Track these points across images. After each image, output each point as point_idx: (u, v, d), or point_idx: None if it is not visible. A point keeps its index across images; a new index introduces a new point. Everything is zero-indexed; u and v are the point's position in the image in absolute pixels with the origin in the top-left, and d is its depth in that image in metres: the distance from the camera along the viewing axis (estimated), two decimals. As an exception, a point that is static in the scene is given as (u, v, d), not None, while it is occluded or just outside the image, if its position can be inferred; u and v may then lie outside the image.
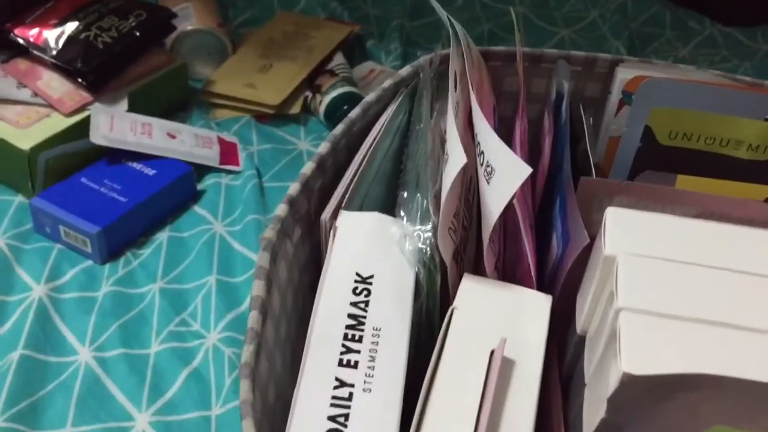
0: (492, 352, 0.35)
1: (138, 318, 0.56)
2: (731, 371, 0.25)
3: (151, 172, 0.64)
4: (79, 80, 0.66)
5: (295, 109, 0.77)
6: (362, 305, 0.36)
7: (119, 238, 0.61)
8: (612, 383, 0.27)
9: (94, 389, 0.51)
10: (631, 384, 0.25)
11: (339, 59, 0.81)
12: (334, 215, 0.40)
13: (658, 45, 0.95)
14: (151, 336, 0.55)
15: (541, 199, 0.46)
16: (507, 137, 0.43)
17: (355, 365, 0.34)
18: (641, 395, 0.26)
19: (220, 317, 0.56)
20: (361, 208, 0.42)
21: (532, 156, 0.49)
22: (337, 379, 0.33)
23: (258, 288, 0.34)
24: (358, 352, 0.34)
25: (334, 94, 0.75)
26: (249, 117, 0.76)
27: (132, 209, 0.61)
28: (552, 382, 0.39)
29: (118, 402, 0.51)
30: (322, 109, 0.75)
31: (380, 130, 0.44)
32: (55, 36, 0.68)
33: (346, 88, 0.75)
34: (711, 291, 0.31)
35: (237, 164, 0.70)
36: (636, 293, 0.30)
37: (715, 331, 0.28)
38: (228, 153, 0.70)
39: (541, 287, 0.40)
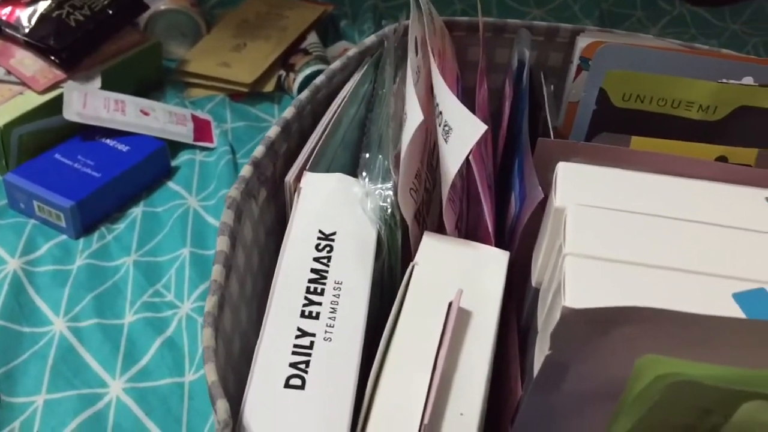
0: (450, 304, 0.36)
1: (112, 290, 0.57)
2: (665, 305, 0.27)
3: (124, 148, 0.65)
4: (52, 58, 0.67)
5: (269, 87, 0.77)
6: (324, 260, 0.37)
7: (93, 213, 0.61)
8: (556, 319, 0.28)
9: (68, 358, 0.52)
10: (572, 317, 0.27)
11: (312, 38, 0.81)
12: (298, 178, 0.41)
13: (629, 24, 0.96)
14: (125, 307, 0.56)
15: (502, 162, 0.47)
16: (470, 106, 0.44)
17: (317, 316, 0.35)
18: (582, 330, 0.27)
19: (193, 288, 0.57)
20: (328, 172, 0.43)
21: (494, 122, 0.51)
22: (299, 329, 0.34)
23: (222, 243, 0.35)
24: (320, 304, 0.35)
25: (307, 72, 0.76)
26: (223, 96, 0.77)
27: (106, 184, 0.62)
28: (510, 334, 0.40)
29: (92, 370, 0.52)
30: (295, 87, 0.76)
31: (345, 97, 0.45)
32: (27, 14, 0.68)
33: (320, 66, 0.76)
34: (657, 238, 0.32)
35: (211, 141, 0.71)
36: (582, 240, 0.31)
37: (654, 272, 0.30)
38: (202, 130, 0.71)
39: (501, 245, 0.41)
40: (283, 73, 0.78)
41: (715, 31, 0.95)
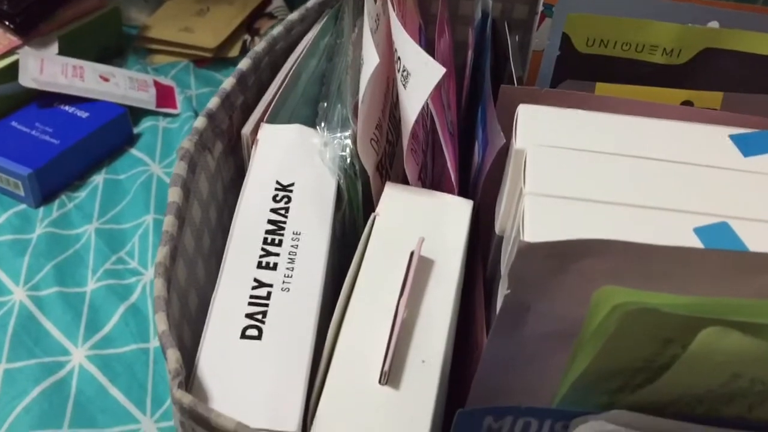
0: (412, 253, 0.35)
1: (73, 257, 0.56)
2: (620, 236, 0.26)
3: (84, 114, 0.63)
4: (6, 23, 0.65)
5: (234, 52, 0.76)
6: (282, 211, 0.36)
7: (53, 181, 0.60)
8: (513, 257, 0.27)
9: (28, 326, 0.51)
10: (528, 252, 0.26)
11: (278, 2, 0.80)
12: (256, 130, 0.40)
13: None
14: (87, 274, 0.55)
15: (467, 113, 0.46)
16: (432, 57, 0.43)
17: (275, 267, 0.34)
18: (540, 265, 0.27)
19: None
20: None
21: (459, 74, 0.50)
22: (255, 280, 0.33)
23: (174, 194, 0.34)
24: (278, 255, 0.34)
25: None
26: (187, 62, 0.75)
27: (65, 151, 0.60)
28: (477, 285, 0.39)
29: (54, 338, 0.50)
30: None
31: (304, 49, 0.44)
32: (-22, -21, 0.65)
33: (285, 30, 0.74)
34: (618, 176, 0.31)
35: (174, 107, 0.69)
36: (542, 180, 0.31)
37: (615, 209, 0.29)
38: (165, 96, 0.69)
39: (466, 195, 0.41)
40: (248, 37, 0.77)
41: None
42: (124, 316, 0.52)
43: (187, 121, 0.67)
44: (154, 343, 0.51)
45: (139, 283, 0.54)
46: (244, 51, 0.76)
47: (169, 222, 0.33)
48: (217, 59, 0.76)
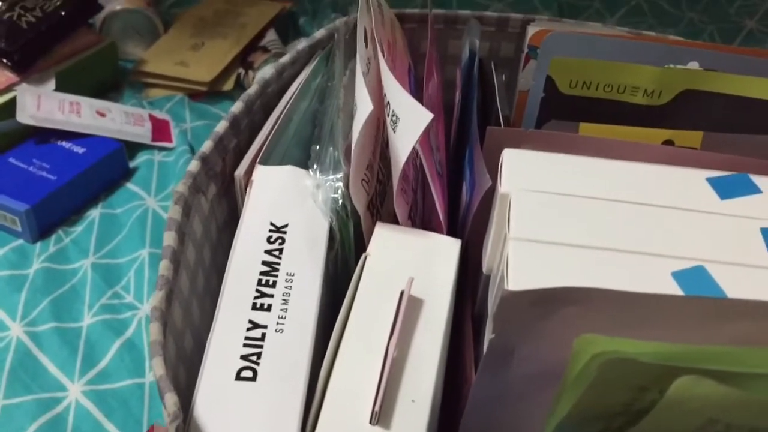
0: (402, 292, 0.36)
1: (70, 293, 0.56)
2: (604, 285, 0.27)
3: (80, 150, 0.64)
4: (4, 61, 0.66)
5: (228, 86, 0.77)
6: (276, 253, 0.37)
7: (50, 216, 0.61)
8: (497, 303, 0.28)
9: (25, 362, 0.51)
10: (512, 299, 0.27)
11: (271, 36, 0.81)
12: (249, 171, 0.41)
13: (588, 15, 0.97)
14: (83, 309, 0.55)
15: (455, 153, 0.47)
16: (422, 97, 0.44)
17: (269, 308, 0.35)
18: (524, 312, 0.28)
19: (153, 288, 0.56)
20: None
21: (448, 114, 0.51)
22: (250, 321, 0.34)
23: (169, 238, 0.35)
24: (272, 296, 0.35)
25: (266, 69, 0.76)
26: (182, 95, 0.76)
27: (61, 187, 0.61)
28: (465, 322, 0.40)
29: (51, 374, 0.51)
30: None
31: (296, 91, 0.45)
32: (-23, 17, 0.67)
33: (278, 64, 0.76)
34: (600, 221, 0.32)
35: (170, 141, 0.70)
36: (526, 225, 0.32)
37: (596, 254, 0.30)
38: (160, 130, 0.71)
39: (454, 233, 0.42)
40: (242, 71, 0.78)
41: (672, 20, 0.96)
42: (120, 351, 0.52)
43: (183, 154, 0.68)
44: (150, 377, 0.51)
45: (134, 318, 0.55)
46: (238, 84, 0.78)
47: (164, 266, 0.34)
48: (212, 93, 0.77)
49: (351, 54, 0.47)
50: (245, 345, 0.33)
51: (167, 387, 0.29)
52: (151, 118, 0.71)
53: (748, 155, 0.39)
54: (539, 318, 0.28)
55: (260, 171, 0.40)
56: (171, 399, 0.29)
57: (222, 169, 0.41)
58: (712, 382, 0.23)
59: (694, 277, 0.29)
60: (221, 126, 0.41)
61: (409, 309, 0.35)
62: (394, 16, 0.50)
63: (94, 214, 0.63)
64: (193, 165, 0.38)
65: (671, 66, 0.44)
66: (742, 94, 0.42)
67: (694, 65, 0.45)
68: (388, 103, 0.39)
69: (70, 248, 0.60)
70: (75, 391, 0.50)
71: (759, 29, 0.93)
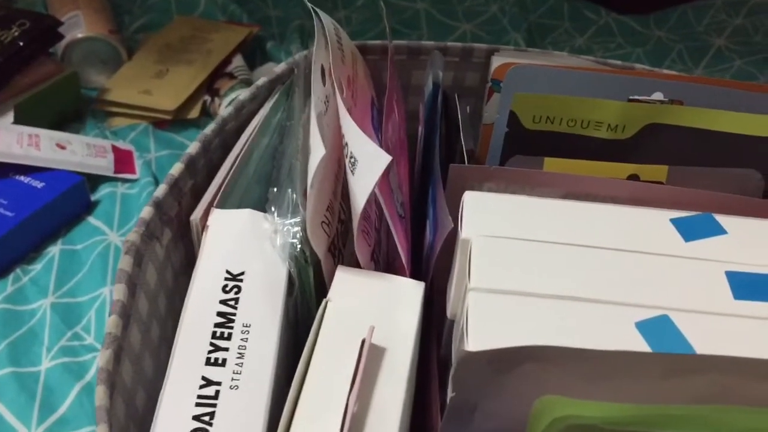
0: (363, 342, 0.35)
1: (28, 335, 0.55)
2: (566, 339, 0.26)
3: (39, 184, 0.63)
4: (-40, 94, 0.64)
5: (194, 113, 0.76)
6: (232, 302, 0.36)
7: (7, 255, 0.59)
8: (456, 361, 0.27)
9: (-20, 411, 0.50)
10: (470, 360, 0.26)
11: (238, 62, 0.80)
12: (206, 215, 0.39)
13: (557, 35, 0.97)
14: (41, 353, 0.53)
15: (420, 188, 0.46)
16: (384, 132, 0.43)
17: (223, 363, 0.34)
18: (484, 370, 0.27)
19: (114, 328, 0.55)
20: (239, 208, 0.41)
21: (412, 145, 0.50)
22: (203, 378, 0.33)
23: (119, 292, 0.33)
24: (227, 349, 0.34)
25: (232, 96, 0.74)
26: (146, 124, 0.75)
27: (19, 224, 0.59)
28: (431, 367, 0.39)
29: (7, 422, 0.49)
30: (221, 112, 0.75)
31: (255, 128, 0.44)
32: (-69, 49, 0.65)
33: (245, 90, 0.74)
34: (561, 267, 0.31)
35: (133, 172, 0.68)
36: (486, 273, 0.31)
37: (557, 304, 0.29)
38: (123, 161, 0.69)
39: (418, 276, 0.41)
40: (208, 98, 0.77)
41: (641, 39, 0.97)
42: (79, 396, 0.51)
43: (147, 186, 0.66)
44: (110, 423, 0.49)
45: (95, 360, 0.53)
46: (204, 112, 0.76)
47: (112, 323, 0.32)
48: (177, 121, 0.75)
49: (310, 91, 0.46)
50: (198, 404, 0.32)
51: (112, 456, 0.28)
52: (114, 149, 0.69)
53: (714, 188, 0.39)
54: (499, 375, 0.27)
55: (216, 215, 0.39)
56: (116, 469, 0.27)
57: (178, 212, 0.40)
58: (675, 450, 0.22)
59: (658, 327, 0.29)
60: (176, 168, 0.40)
61: (370, 359, 0.34)
62: (356, 48, 0.49)
63: (54, 250, 0.61)
64: (146, 211, 0.37)
65: (635, 98, 0.44)
66: (706, 127, 0.42)
67: (658, 95, 0.44)
68: (346, 144, 0.38)
69: (29, 287, 0.58)
70: (32, 441, 0.48)
71: (727, 47, 0.94)
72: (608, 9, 1.01)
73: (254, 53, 0.86)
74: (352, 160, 0.37)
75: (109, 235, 0.62)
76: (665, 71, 0.49)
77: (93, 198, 0.66)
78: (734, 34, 0.96)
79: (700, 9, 1.00)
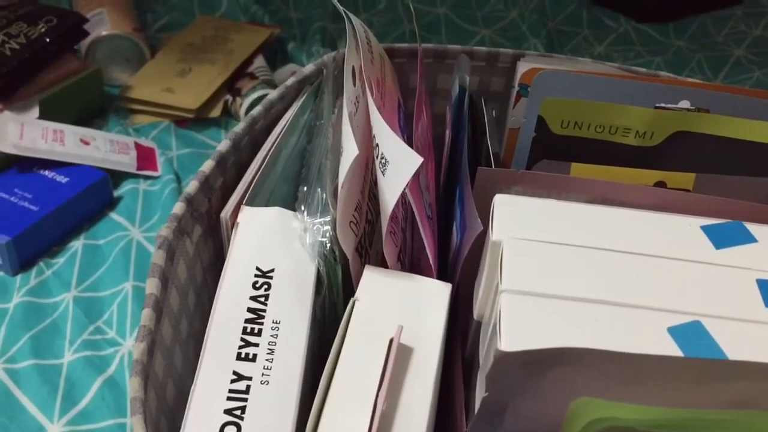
0: (391, 341, 0.35)
1: (51, 328, 0.55)
2: (599, 342, 0.26)
3: (64, 179, 0.63)
4: (-13, 88, 0.65)
5: (215, 112, 0.76)
6: (262, 299, 0.36)
7: (31, 248, 0.59)
8: (491, 361, 0.27)
9: (3, 402, 0.50)
10: (506, 360, 0.26)
11: (260, 62, 0.81)
12: (236, 212, 0.40)
13: (576, 43, 0.97)
14: (64, 346, 0.54)
15: (445, 191, 0.47)
16: (412, 133, 0.44)
17: (254, 358, 0.34)
18: (517, 371, 0.27)
19: (136, 324, 0.55)
20: (267, 206, 0.42)
21: (437, 149, 0.50)
22: (234, 372, 0.33)
23: (152, 286, 0.34)
24: (257, 345, 0.34)
25: (253, 96, 0.75)
26: (168, 122, 0.75)
27: (44, 218, 0.60)
28: (455, 368, 0.39)
29: (30, 414, 0.50)
30: (242, 112, 0.75)
31: (284, 127, 0.44)
32: (-40, 44, 0.66)
33: (266, 91, 0.75)
34: (593, 271, 0.32)
35: (155, 169, 0.69)
36: (518, 276, 0.31)
37: (590, 308, 0.30)
38: (146, 158, 0.70)
39: (444, 276, 0.41)
40: (229, 97, 0.77)
41: (660, 48, 0.97)
42: (101, 390, 0.51)
43: (168, 183, 0.67)
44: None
45: (116, 354, 0.53)
46: (225, 111, 0.77)
47: (146, 316, 0.33)
48: (199, 119, 0.76)
49: (339, 91, 0.46)
50: (229, 398, 0.32)
51: (147, 447, 0.28)
52: (137, 146, 0.70)
53: (741, 197, 0.39)
54: (532, 377, 0.27)
55: (246, 212, 0.39)
56: (151, 460, 0.28)
57: (208, 209, 0.40)
58: (711, 453, 0.22)
59: (690, 332, 0.29)
60: (207, 165, 0.40)
61: (398, 358, 0.34)
62: (384, 50, 0.49)
63: (77, 245, 0.61)
64: (178, 207, 0.38)
65: (662, 105, 0.44)
66: (733, 135, 0.42)
67: (684, 104, 0.45)
68: (377, 145, 0.38)
69: (52, 281, 0.58)
70: (54, 432, 0.49)
71: (746, 57, 0.94)
72: (628, 17, 1.01)
73: (275, 54, 0.86)
74: (383, 160, 0.37)
75: (131, 231, 0.63)
76: (690, 79, 0.49)
77: (115, 194, 0.66)
78: (753, 44, 0.96)
79: (720, 19, 1.01)
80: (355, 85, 0.42)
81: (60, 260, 0.60)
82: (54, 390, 0.51)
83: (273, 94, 0.45)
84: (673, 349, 0.28)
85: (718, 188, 0.41)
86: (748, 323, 0.29)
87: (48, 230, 0.60)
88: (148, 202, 0.66)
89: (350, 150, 0.36)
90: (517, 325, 0.28)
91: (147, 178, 0.68)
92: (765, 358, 0.26)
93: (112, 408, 0.50)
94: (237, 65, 0.79)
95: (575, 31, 0.99)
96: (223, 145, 0.42)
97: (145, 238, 0.62)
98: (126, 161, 0.68)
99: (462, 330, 0.41)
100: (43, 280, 0.58)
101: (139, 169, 0.68)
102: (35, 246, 0.60)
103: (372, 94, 0.40)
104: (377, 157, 0.38)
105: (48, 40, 0.68)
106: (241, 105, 0.75)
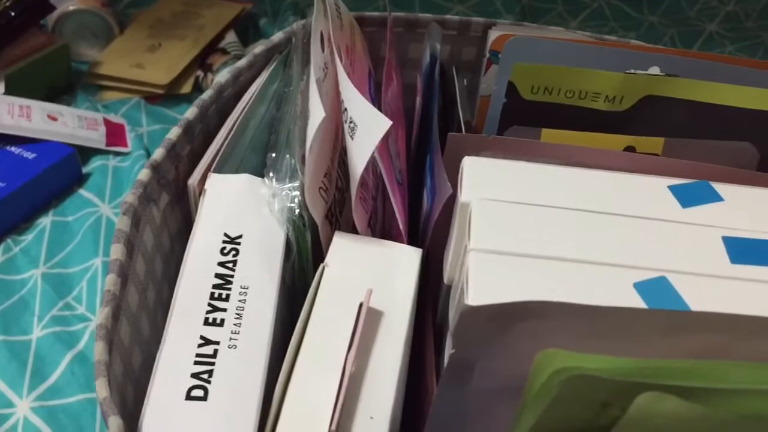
0: (360, 305, 0.35)
1: (19, 304, 0.54)
2: (566, 297, 0.26)
3: (30, 155, 0.62)
4: (-51, 63, 0.63)
5: (186, 88, 0.75)
6: (230, 265, 0.36)
7: (-2, 225, 0.58)
8: (457, 317, 0.27)
9: (-29, 379, 0.49)
10: (471, 315, 0.26)
11: (231, 38, 0.80)
12: (203, 180, 0.39)
13: (549, 18, 0.97)
14: (32, 322, 0.53)
15: (416, 159, 0.46)
16: (381, 102, 0.43)
17: (222, 323, 0.34)
18: (484, 327, 0.27)
19: (106, 299, 0.55)
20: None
21: (408, 118, 0.50)
22: (202, 337, 0.33)
23: (117, 251, 0.33)
24: (225, 310, 0.34)
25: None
26: (138, 98, 0.74)
27: (10, 194, 0.59)
28: (427, 331, 0.39)
29: (-2, 390, 0.49)
30: (213, 87, 0.74)
31: (252, 96, 0.44)
32: None
33: (238, 66, 0.74)
34: (561, 231, 0.32)
35: (125, 146, 0.68)
36: (486, 235, 0.31)
37: (557, 265, 0.29)
38: (115, 134, 0.69)
39: (415, 242, 0.41)
40: (200, 73, 0.76)
41: (634, 24, 0.97)
42: (71, 365, 0.50)
43: (138, 159, 0.66)
44: (102, 392, 0.49)
45: (86, 330, 0.53)
46: (196, 87, 0.76)
47: (111, 281, 0.32)
48: (169, 95, 0.75)
49: (308, 59, 0.46)
50: (196, 362, 0.32)
51: (111, 410, 0.28)
52: (106, 121, 0.69)
53: (708, 161, 0.39)
54: (499, 332, 0.27)
55: (214, 179, 0.39)
56: (115, 422, 0.27)
57: (175, 176, 0.40)
58: (674, 399, 0.22)
59: (656, 288, 0.29)
60: (174, 132, 0.40)
61: (368, 322, 0.34)
62: (354, 19, 0.49)
63: (45, 221, 0.61)
64: (144, 174, 0.37)
65: (633, 71, 0.44)
66: (702, 99, 0.42)
67: (654, 70, 0.45)
68: (346, 109, 0.38)
69: (20, 258, 0.58)
70: (24, 408, 0.48)
71: (718, 32, 0.94)
72: (601, -7, 1.01)
73: (247, 30, 0.85)
74: (352, 124, 0.37)
75: (100, 207, 0.62)
76: (661, 47, 0.49)
77: (84, 170, 0.65)
78: (726, 19, 0.97)
79: (693, -5, 1.01)
80: (323, 51, 0.41)
81: (28, 237, 0.59)
82: (23, 366, 0.50)
83: (241, 61, 0.45)
84: (638, 303, 0.28)
85: (687, 152, 0.41)
86: (714, 278, 0.30)
87: (15, 207, 0.59)
88: (118, 178, 0.65)
89: (317, 114, 0.36)
90: (484, 281, 0.28)
91: (117, 154, 0.67)
92: (728, 310, 0.26)
93: (83, 383, 0.49)
94: (208, 41, 0.78)
95: (549, 6, 0.99)
96: (190, 112, 0.41)
97: (115, 215, 0.61)
98: (95, 137, 0.67)
99: (433, 296, 0.41)
100: (11, 257, 0.58)
101: (108, 145, 0.67)
102: (2, 223, 0.59)
103: (341, 60, 0.40)
104: (346, 122, 0.38)
105: (13, 14, 0.67)
106: (212, 81, 0.74)
